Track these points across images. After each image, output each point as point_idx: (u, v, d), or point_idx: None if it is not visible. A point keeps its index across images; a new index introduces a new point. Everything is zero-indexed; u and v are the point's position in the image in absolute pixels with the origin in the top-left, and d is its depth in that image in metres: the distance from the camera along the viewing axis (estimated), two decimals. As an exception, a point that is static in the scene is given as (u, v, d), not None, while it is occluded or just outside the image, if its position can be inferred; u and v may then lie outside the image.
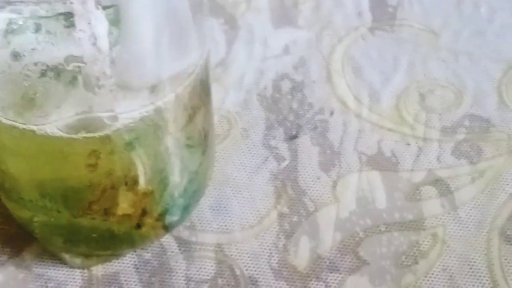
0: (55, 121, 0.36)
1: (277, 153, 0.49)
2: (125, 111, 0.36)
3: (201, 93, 0.41)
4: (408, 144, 0.49)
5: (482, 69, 0.53)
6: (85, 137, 0.36)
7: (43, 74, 0.34)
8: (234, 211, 0.46)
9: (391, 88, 0.52)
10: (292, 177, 0.48)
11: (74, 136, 0.36)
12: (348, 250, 0.44)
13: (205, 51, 0.39)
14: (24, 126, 0.36)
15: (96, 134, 0.36)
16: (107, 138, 0.37)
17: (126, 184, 0.40)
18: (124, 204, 0.40)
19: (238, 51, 0.55)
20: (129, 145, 0.38)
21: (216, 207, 0.46)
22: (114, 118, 0.36)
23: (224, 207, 0.46)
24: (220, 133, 0.50)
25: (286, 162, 0.48)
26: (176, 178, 0.41)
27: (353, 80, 0.53)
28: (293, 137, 0.50)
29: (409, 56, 0.54)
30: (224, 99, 0.52)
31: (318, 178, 0.48)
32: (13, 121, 0.36)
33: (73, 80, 0.35)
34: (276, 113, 0.51)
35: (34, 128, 0.36)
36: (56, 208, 0.40)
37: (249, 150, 0.49)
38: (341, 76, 0.53)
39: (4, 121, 0.36)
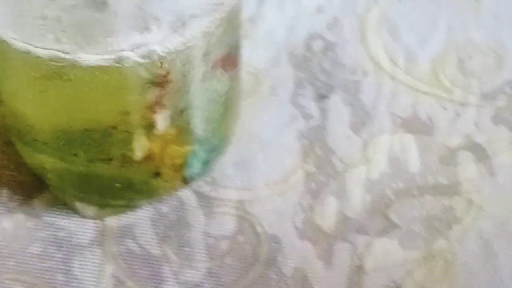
0: (81, 49, 0.34)
1: (305, 112, 0.46)
2: (149, 44, 0.34)
3: (232, 35, 0.38)
4: (445, 108, 0.47)
5: (525, 35, 0.51)
6: (104, 68, 0.34)
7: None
8: (258, 168, 0.44)
9: (428, 51, 0.50)
10: (320, 136, 0.45)
11: (95, 64, 0.34)
12: (377, 212, 0.42)
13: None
14: (47, 52, 0.34)
15: (119, 64, 0.34)
16: (127, 72, 0.34)
17: (144, 127, 0.37)
18: (142, 149, 0.38)
19: (269, 8, 0.52)
20: (150, 83, 0.36)
21: (239, 163, 0.44)
22: (138, 51, 0.34)
23: (248, 163, 0.44)
24: (246, 89, 0.47)
25: (315, 121, 0.46)
26: (198, 126, 0.39)
27: (388, 41, 0.50)
28: (323, 97, 0.47)
29: (448, 19, 0.52)
30: (252, 55, 0.49)
31: (348, 138, 0.45)
32: (35, 46, 0.34)
33: (101, 9, 0.33)
34: (307, 72, 0.49)
35: (61, 55, 0.33)
36: (72, 152, 0.38)
37: (277, 108, 0.47)
38: (376, 37, 0.51)
39: (24, 47, 0.34)
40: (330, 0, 0.53)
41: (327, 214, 0.42)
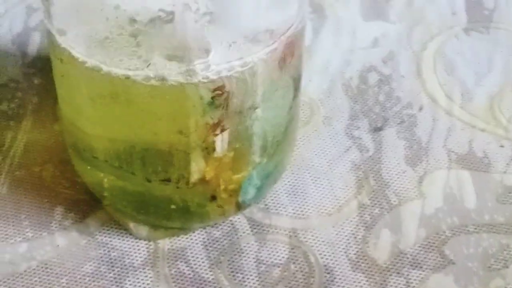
0: (148, 67, 0.34)
1: (360, 144, 0.46)
2: (213, 65, 0.34)
3: (294, 60, 0.38)
4: (502, 146, 0.46)
5: None
6: (168, 87, 0.34)
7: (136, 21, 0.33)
8: (312, 197, 0.43)
9: (484, 88, 0.50)
10: (375, 168, 0.45)
11: (160, 82, 0.34)
12: (432, 247, 0.41)
13: (302, 10, 0.37)
14: (116, 70, 0.34)
15: (183, 84, 0.34)
16: (190, 92, 0.34)
17: (203, 149, 0.37)
18: (199, 172, 0.38)
19: (325, 40, 0.52)
20: (211, 104, 0.35)
21: (293, 191, 0.44)
22: (202, 71, 0.34)
23: (302, 192, 0.44)
24: (301, 118, 0.47)
25: (370, 153, 0.46)
26: (256, 151, 0.39)
27: (444, 77, 0.50)
28: (378, 129, 0.47)
29: (505, 58, 0.52)
30: (307, 85, 0.49)
31: (403, 172, 0.45)
32: (104, 64, 0.34)
33: (167, 30, 0.33)
34: (361, 104, 0.48)
35: (129, 73, 0.34)
36: (131, 170, 0.38)
37: (331, 138, 0.46)
38: (432, 73, 0.50)
39: (94, 65, 0.34)
40: (386, 34, 0.53)
41: (381, 247, 0.41)
